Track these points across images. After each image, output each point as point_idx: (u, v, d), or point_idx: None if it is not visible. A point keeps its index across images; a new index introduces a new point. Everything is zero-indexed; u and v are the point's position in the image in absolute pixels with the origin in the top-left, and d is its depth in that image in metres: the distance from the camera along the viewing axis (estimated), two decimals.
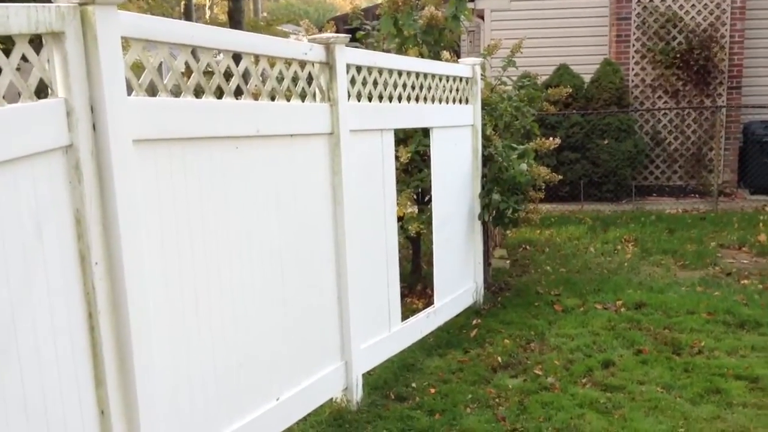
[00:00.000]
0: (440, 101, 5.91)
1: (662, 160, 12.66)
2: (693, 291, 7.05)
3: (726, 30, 12.21)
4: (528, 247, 9.14)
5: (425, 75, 5.60)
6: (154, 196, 3.03)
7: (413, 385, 4.97)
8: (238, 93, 3.58)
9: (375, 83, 4.90)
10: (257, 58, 3.73)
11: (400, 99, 5.23)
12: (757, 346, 5.51)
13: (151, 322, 2.94)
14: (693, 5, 12.22)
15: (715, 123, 12.14)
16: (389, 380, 5.03)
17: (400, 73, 5.20)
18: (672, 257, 8.46)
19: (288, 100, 4.03)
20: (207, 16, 28.79)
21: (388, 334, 5.15)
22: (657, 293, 6.96)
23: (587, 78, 12.27)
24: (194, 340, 3.28)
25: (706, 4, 12.19)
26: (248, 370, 3.67)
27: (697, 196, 12.37)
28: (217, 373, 3.43)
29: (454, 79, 6.17)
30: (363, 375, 4.78)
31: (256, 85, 3.74)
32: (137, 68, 3.03)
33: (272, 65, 3.89)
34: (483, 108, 6.79)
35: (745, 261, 8.28)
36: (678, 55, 12.22)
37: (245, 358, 3.64)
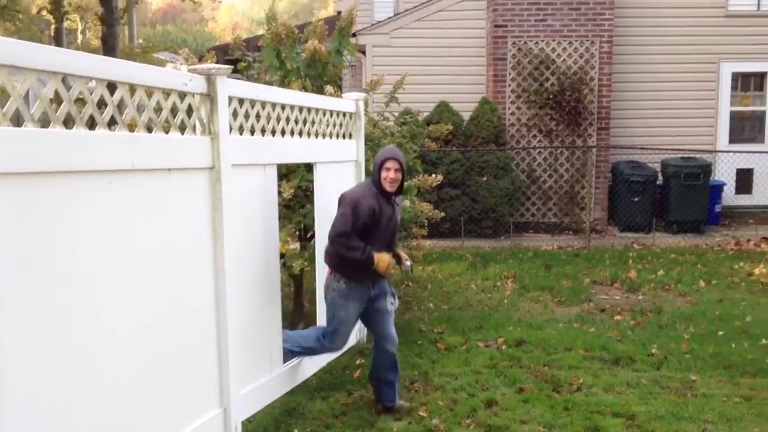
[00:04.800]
0: (324, 136, 5.80)
1: (538, 197, 12.99)
2: (570, 327, 7.19)
3: (595, 73, 12.73)
4: (410, 283, 9.11)
5: (309, 109, 5.48)
6: (12, 233, 2.75)
7: (295, 431, 4.77)
8: (112, 123, 3.34)
9: (258, 116, 4.74)
10: (133, 87, 3.50)
11: (283, 133, 5.08)
12: (631, 383, 5.64)
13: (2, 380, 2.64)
14: (564, 48, 12.69)
15: (586, 162, 12.59)
16: (269, 427, 4.82)
17: (283, 107, 5.06)
18: (549, 293, 8.63)
19: (166, 132, 3.80)
20: (79, 41, 27.68)
21: (269, 378, 4.93)
22: (536, 330, 7.06)
23: (466, 116, 12.51)
24: (53, 398, 2.98)
25: (576, 48, 12.68)
26: (115, 424, 3.38)
27: (570, 232, 12.75)
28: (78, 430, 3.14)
29: (338, 114, 6.08)
30: (242, 422, 4.53)
31: (132, 116, 3.51)
32: (3, 95, 2.76)
33: (150, 95, 3.66)
34: (366, 143, 6.73)
35: (617, 297, 8.54)
36: (551, 96, 12.64)
37: (112, 410, 3.35)
